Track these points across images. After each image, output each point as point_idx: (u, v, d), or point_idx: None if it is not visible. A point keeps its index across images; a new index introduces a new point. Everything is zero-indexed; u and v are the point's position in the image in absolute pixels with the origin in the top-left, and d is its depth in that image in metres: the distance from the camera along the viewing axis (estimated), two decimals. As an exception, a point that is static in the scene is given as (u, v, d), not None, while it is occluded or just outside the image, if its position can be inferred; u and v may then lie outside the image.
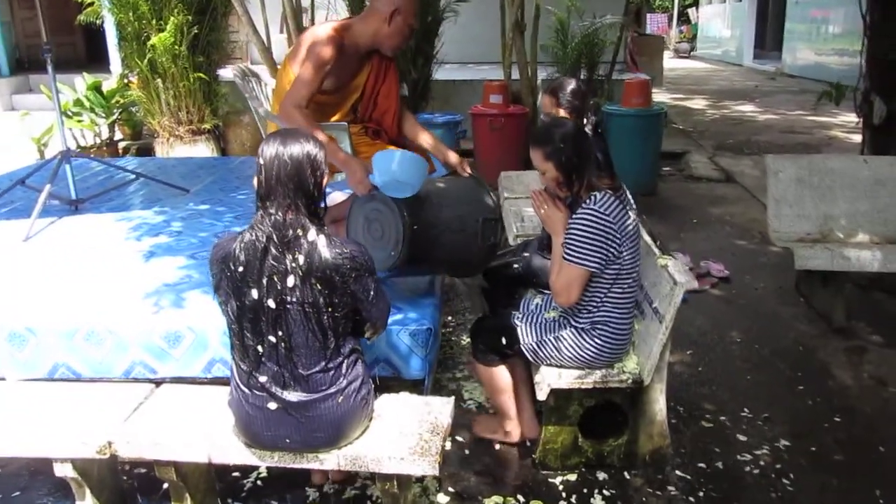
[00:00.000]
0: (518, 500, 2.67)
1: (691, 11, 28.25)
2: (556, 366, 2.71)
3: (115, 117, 7.78)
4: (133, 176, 4.97)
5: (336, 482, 2.65)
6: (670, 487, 2.75)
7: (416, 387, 2.72)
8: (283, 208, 2.04)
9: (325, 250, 2.05)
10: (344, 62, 3.17)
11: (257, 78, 3.95)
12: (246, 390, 2.13)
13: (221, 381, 2.55)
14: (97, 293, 3.04)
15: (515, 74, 7.36)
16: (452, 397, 2.49)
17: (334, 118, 3.34)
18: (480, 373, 2.91)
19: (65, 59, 12.33)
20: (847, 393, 3.43)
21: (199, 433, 2.27)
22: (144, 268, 3.35)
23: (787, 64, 17.87)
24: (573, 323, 2.69)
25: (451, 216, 2.84)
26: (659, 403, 2.78)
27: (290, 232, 2.04)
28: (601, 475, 2.81)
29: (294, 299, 2.04)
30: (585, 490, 2.73)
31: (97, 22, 7.73)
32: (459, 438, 3.00)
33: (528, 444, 2.95)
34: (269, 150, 2.05)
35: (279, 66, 3.50)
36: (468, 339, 3.61)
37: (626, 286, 2.63)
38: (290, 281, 2.03)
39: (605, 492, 2.72)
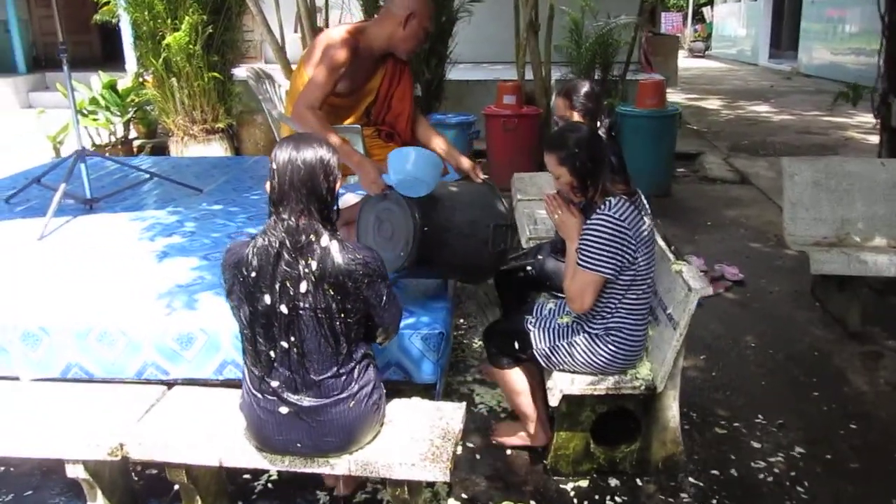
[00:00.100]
0: (529, 506, 2.66)
1: (706, 10, 28.08)
2: (569, 371, 2.69)
3: (129, 116, 7.83)
4: (147, 175, 4.99)
5: (345, 490, 2.65)
6: (683, 495, 2.73)
7: (427, 391, 2.71)
8: (296, 213, 2.04)
9: (337, 256, 2.04)
10: (358, 65, 3.16)
11: (271, 80, 3.96)
12: (258, 394, 2.13)
13: (233, 384, 2.56)
14: (110, 293, 3.06)
15: (529, 75, 7.33)
16: (464, 403, 2.48)
17: (348, 121, 3.34)
18: (496, 377, 2.90)
19: (81, 58, 12.43)
20: (863, 399, 3.39)
21: (210, 436, 2.27)
22: (157, 268, 3.36)
23: (802, 63, 17.73)
24: (587, 329, 2.67)
25: (463, 220, 2.83)
26: (672, 410, 2.76)
27: (303, 237, 2.03)
28: (613, 482, 2.79)
29: (307, 305, 2.03)
30: (597, 497, 2.71)
31: (113, 21, 7.78)
32: (470, 444, 2.99)
33: (540, 449, 2.94)
34: (283, 154, 2.05)
35: (293, 67, 3.50)
36: (480, 342, 3.61)
37: (640, 292, 2.61)
38: (303, 286, 2.03)
39: (616, 498, 2.70)
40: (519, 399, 2.86)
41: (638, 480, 2.79)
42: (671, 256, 2.86)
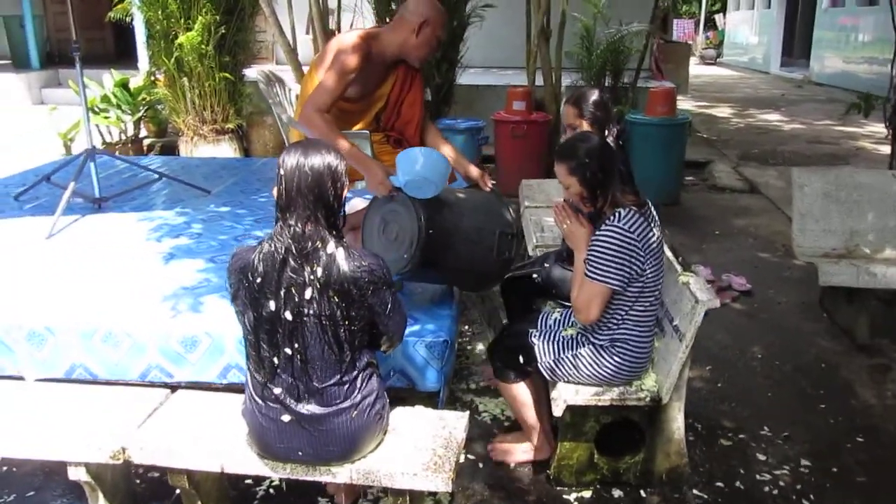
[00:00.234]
0: (531, 516, 2.65)
1: (718, 17, 28.00)
2: (574, 383, 2.68)
3: (140, 114, 7.87)
4: (156, 176, 5.00)
5: (347, 499, 2.64)
6: (687, 507, 2.72)
7: (430, 398, 2.70)
8: (303, 220, 2.03)
9: (343, 263, 2.04)
10: (370, 71, 3.16)
11: (281, 83, 3.96)
12: (260, 401, 2.12)
13: (237, 388, 2.56)
14: (116, 294, 3.06)
15: (539, 81, 7.32)
16: (467, 412, 2.47)
17: (358, 126, 3.34)
18: (502, 390, 2.90)
19: (94, 55, 12.50)
20: (870, 412, 3.37)
21: (212, 442, 2.27)
22: (163, 270, 3.36)
23: (814, 72, 17.66)
24: (592, 340, 2.66)
25: (469, 225, 2.82)
26: (677, 422, 2.74)
27: (309, 244, 2.03)
28: (616, 493, 2.77)
29: (311, 312, 2.03)
30: (600, 508, 2.70)
31: (127, 19, 7.81)
32: (473, 453, 2.98)
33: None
34: (290, 160, 2.05)
35: (304, 69, 3.50)
36: (483, 349, 3.59)
37: (647, 304, 2.60)
38: (308, 293, 2.02)
39: (620, 510, 2.69)
40: (525, 412, 2.85)
41: (642, 492, 2.77)
42: (678, 267, 2.85)
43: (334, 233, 2.08)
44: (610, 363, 2.61)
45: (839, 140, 9.93)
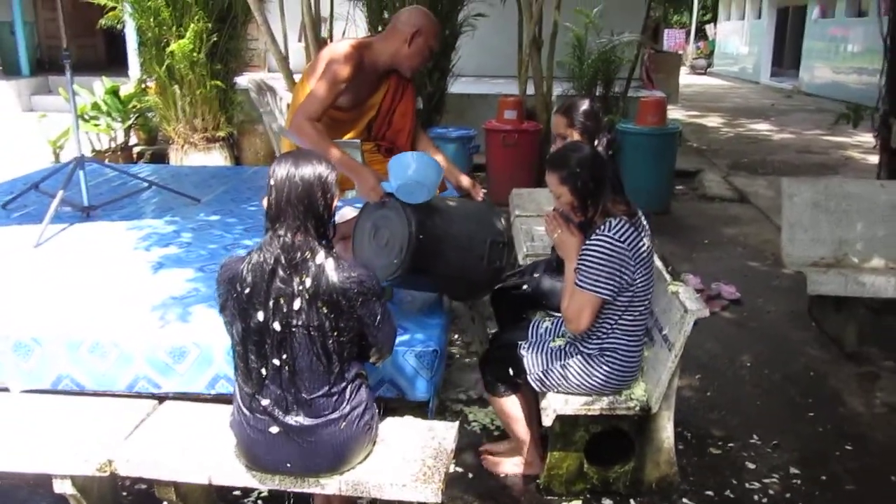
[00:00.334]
0: (521, 527, 2.65)
1: (709, 28, 28.20)
2: (564, 393, 2.68)
3: (131, 122, 7.83)
4: (146, 184, 4.98)
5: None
6: (677, 517, 2.72)
7: (420, 408, 2.69)
8: (293, 230, 2.03)
9: (332, 274, 2.03)
10: (362, 80, 3.16)
11: (273, 92, 3.95)
12: (248, 413, 2.11)
13: (225, 398, 2.54)
14: (104, 304, 3.04)
15: (531, 90, 7.34)
16: (457, 422, 2.46)
17: (349, 135, 3.33)
18: (493, 403, 2.89)
19: (85, 61, 12.46)
20: (858, 420, 3.39)
21: (200, 454, 2.25)
22: (152, 279, 3.34)
23: (804, 82, 17.80)
24: (581, 349, 2.66)
25: (460, 232, 2.81)
26: (667, 431, 2.75)
27: (299, 254, 2.02)
28: (606, 502, 2.77)
29: (300, 322, 2.02)
30: (590, 517, 2.70)
31: (118, 26, 7.79)
32: (463, 463, 2.97)
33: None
34: (281, 171, 2.04)
35: (296, 77, 3.50)
36: (474, 360, 3.59)
37: (637, 313, 2.60)
38: (297, 304, 2.01)
39: (609, 520, 2.69)
40: (515, 425, 2.85)
41: (632, 501, 2.77)
42: (668, 277, 2.86)
43: (324, 243, 2.08)
44: (599, 372, 2.61)
45: (828, 150, 10.00)
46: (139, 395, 2.69)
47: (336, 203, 2.13)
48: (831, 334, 4.20)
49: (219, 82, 7.06)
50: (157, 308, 2.98)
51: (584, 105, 3.12)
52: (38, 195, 4.42)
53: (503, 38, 8.46)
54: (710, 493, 2.84)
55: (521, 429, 2.84)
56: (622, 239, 2.50)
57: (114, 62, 12.54)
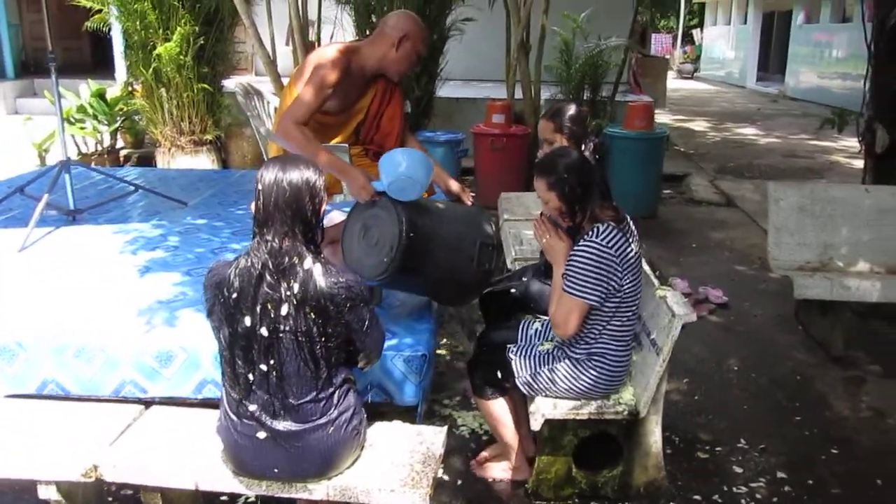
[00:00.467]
0: (510, 531, 2.64)
1: (696, 32, 28.38)
2: (552, 397, 2.68)
3: (117, 125, 7.78)
4: (132, 187, 4.95)
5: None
6: (664, 521, 2.72)
7: (408, 413, 2.68)
8: (280, 235, 2.02)
9: (320, 279, 2.03)
10: (349, 84, 3.16)
11: (260, 96, 3.94)
12: (235, 418, 2.10)
13: (212, 403, 2.52)
14: (90, 308, 3.02)
15: (519, 94, 7.36)
16: (445, 427, 2.45)
17: (337, 139, 3.33)
18: (480, 407, 2.89)
19: (71, 64, 12.37)
20: (845, 424, 3.40)
21: (186, 459, 2.23)
22: (139, 283, 3.32)
23: (789, 87, 17.94)
24: (569, 353, 2.66)
25: (450, 232, 2.80)
26: (655, 435, 2.75)
27: (286, 260, 2.02)
28: (595, 506, 2.78)
29: (287, 328, 2.01)
30: (578, 522, 2.70)
31: (104, 29, 7.75)
32: (452, 468, 2.96)
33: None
34: (269, 176, 2.04)
35: (284, 80, 3.49)
36: (463, 364, 3.58)
37: (625, 318, 2.60)
38: (284, 309, 2.01)
39: (598, 524, 2.69)
40: (503, 430, 2.84)
41: (620, 505, 2.78)
42: (655, 281, 2.86)
43: (312, 248, 2.07)
44: (587, 377, 2.62)
45: (814, 154, 10.08)
46: (125, 400, 2.67)
47: (325, 208, 2.13)
48: (818, 338, 4.22)
49: (206, 85, 7.03)
50: (144, 312, 2.96)
51: (571, 110, 3.13)
52: (24, 199, 4.38)
53: (491, 42, 8.48)
54: (697, 497, 2.85)
55: (509, 433, 2.84)
56: (610, 245, 2.51)
57: (100, 65, 12.47)
